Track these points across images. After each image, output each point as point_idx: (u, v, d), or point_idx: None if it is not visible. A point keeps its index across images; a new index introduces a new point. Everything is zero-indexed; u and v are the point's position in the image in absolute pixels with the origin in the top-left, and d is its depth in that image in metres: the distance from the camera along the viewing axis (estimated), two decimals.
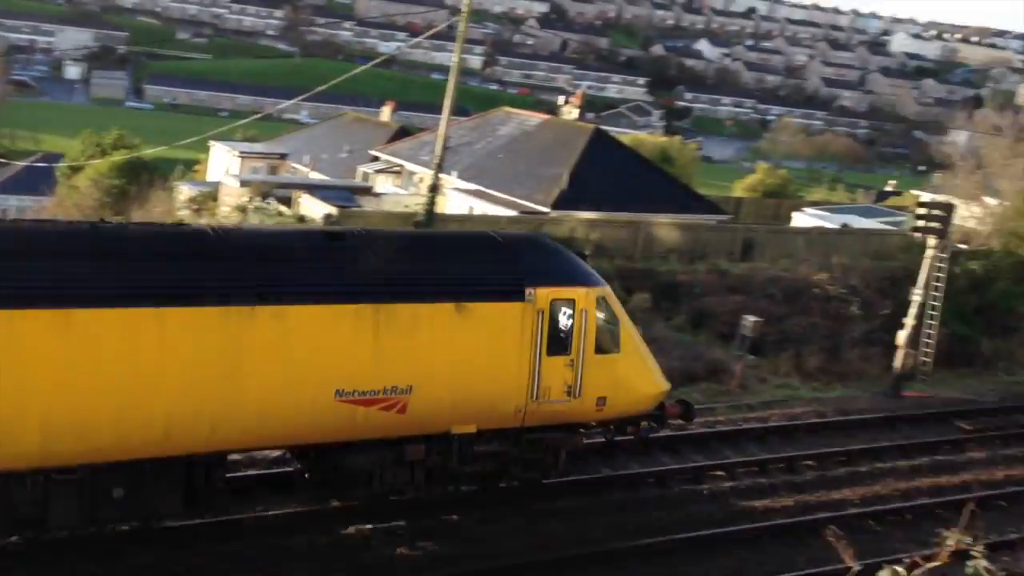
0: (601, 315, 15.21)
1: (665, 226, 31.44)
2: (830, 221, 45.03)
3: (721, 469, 17.86)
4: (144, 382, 11.91)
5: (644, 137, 61.02)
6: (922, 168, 71.12)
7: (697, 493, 16.90)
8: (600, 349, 15.12)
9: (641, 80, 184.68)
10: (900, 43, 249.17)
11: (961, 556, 7.16)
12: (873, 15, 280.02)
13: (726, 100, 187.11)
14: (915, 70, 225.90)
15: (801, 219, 46.29)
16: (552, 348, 14.61)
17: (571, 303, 14.83)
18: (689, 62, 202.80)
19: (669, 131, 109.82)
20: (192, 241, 13.23)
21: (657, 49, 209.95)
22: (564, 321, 14.78)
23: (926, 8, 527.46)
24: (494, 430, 14.60)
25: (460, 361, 13.92)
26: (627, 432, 16.61)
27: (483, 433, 14.50)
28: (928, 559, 7.02)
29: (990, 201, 36.09)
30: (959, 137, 44.49)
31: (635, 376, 15.76)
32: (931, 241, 26.15)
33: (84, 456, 11.80)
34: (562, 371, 14.75)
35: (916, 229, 32.44)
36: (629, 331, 15.76)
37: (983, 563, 6.90)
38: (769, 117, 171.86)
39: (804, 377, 24.32)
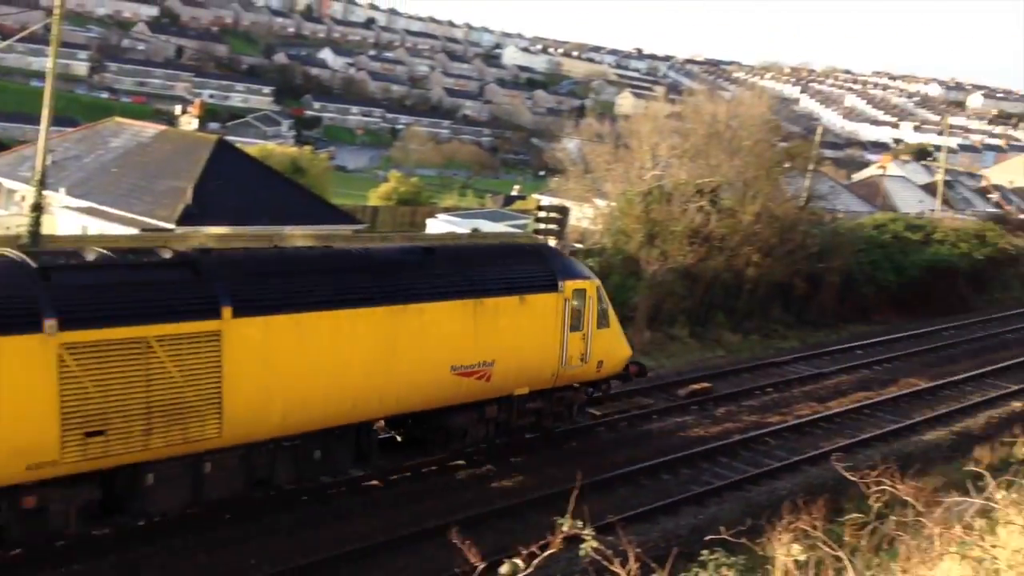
0: (599, 300, 20.56)
1: (299, 238, 30.60)
2: (462, 226, 46.76)
3: None
4: (343, 366, 15.80)
5: (274, 148, 59.37)
6: (542, 173, 76.36)
7: None
8: (599, 325, 20.51)
9: (267, 89, 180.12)
10: (511, 56, 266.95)
11: (575, 541, 7.37)
12: (485, 29, 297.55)
13: (355, 109, 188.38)
14: (527, 81, 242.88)
15: (435, 225, 47.54)
16: (573, 326, 19.78)
17: (583, 292, 20.17)
18: (314, 71, 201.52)
19: (300, 141, 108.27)
20: (360, 259, 17.30)
21: (280, 57, 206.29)
22: (579, 305, 19.94)
23: (532, 24, 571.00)
24: (538, 391, 19.65)
25: (522, 339, 18.80)
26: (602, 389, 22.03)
27: (531, 393, 19.47)
28: (544, 548, 7.15)
29: (599, 203, 39.37)
30: (570, 144, 48.10)
31: (618, 344, 21.48)
32: (552, 241, 27.94)
33: (304, 426, 15.59)
34: (579, 343, 20.06)
35: (538, 231, 34.63)
36: (612, 312, 21.28)
37: (593, 544, 7.13)
38: (398, 126, 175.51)
39: None
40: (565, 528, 7.21)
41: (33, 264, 13.07)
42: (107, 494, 13.89)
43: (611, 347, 21.06)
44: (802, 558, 7.19)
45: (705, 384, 26.59)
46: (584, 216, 40.54)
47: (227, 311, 14.25)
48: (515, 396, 19.03)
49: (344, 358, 15.71)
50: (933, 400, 27.58)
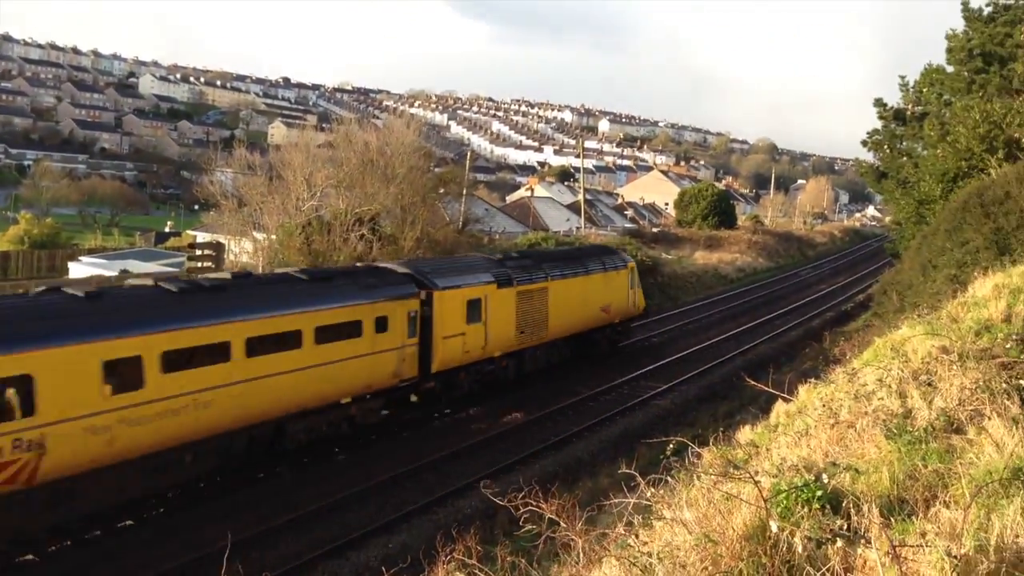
0: (635, 272, 38.52)
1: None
2: (109, 268, 43.44)
3: None
4: (575, 305, 32.74)
5: None
6: (196, 207, 72.92)
7: None
8: (634, 285, 37.80)
9: None
10: (149, 85, 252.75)
11: None
12: (116, 56, 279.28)
13: None
14: (169, 112, 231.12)
15: (79, 269, 43.85)
16: (631, 286, 37.30)
17: (632, 268, 38.12)
18: None
19: None
20: (574, 250, 40.38)
21: None
22: (632, 275, 37.70)
23: (168, 51, 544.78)
24: (619, 321, 36.84)
25: (619, 293, 36.35)
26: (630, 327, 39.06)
27: (621, 322, 37.05)
28: None
29: (258, 236, 38.34)
30: (223, 176, 46.39)
31: (641, 296, 39.19)
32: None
33: (567, 333, 32.90)
34: (632, 295, 37.55)
35: (191, 268, 33.01)
36: (638, 279, 39.19)
37: None
38: (26, 162, 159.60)
39: None
40: None
41: (498, 257, 31.77)
42: (519, 362, 30.22)
43: (640, 298, 38.89)
44: None
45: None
46: (244, 251, 39.30)
47: (548, 280, 31.49)
48: (616, 323, 36.57)
49: (573, 302, 32.65)
50: (597, 406, 29.36)
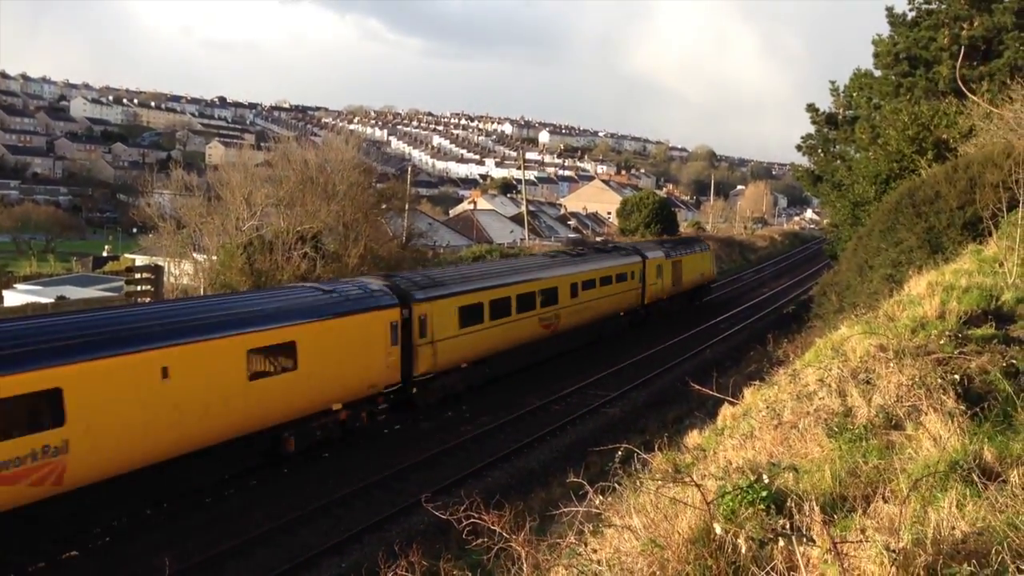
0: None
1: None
2: (45, 296, 42.50)
3: None
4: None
5: None
6: (134, 231, 71.72)
7: None
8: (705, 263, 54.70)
9: None
10: (80, 108, 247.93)
11: None
12: (46, 80, 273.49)
13: None
14: (102, 134, 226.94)
15: (13, 297, 42.83)
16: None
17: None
18: None
19: None
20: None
21: None
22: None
23: (100, 73, 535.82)
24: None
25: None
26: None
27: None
28: None
29: (199, 257, 37.78)
30: (161, 198, 45.68)
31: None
32: (145, 300, 26.25)
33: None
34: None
35: (130, 293, 32.40)
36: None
37: None
38: None
39: None
40: None
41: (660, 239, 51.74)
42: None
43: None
44: None
45: None
46: (185, 272, 38.70)
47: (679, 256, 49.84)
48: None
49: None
50: (546, 417, 29.40)
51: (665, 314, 48.48)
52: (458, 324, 29.25)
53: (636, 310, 45.14)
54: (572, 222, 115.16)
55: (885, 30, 37.39)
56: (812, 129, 40.48)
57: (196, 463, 19.67)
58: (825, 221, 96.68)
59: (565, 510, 6.98)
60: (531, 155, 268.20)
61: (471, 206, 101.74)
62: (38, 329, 17.16)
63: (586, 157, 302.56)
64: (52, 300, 39.22)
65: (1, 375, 15.54)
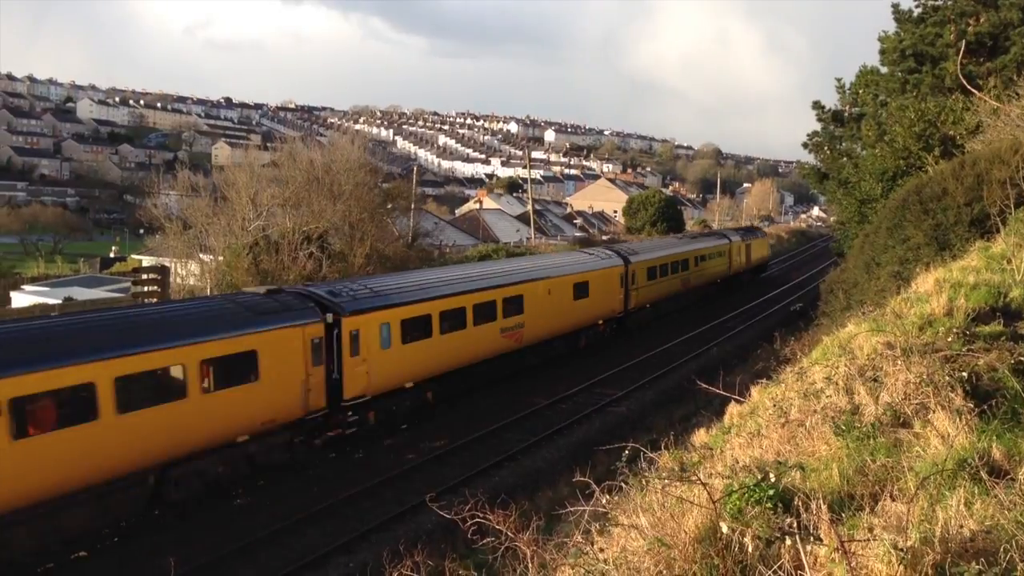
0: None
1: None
2: (53, 296, 42.60)
3: None
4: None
5: None
6: (141, 231, 72.00)
7: None
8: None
9: None
10: (87, 109, 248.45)
11: None
12: (52, 82, 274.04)
13: None
14: (109, 136, 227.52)
15: (20, 298, 42.97)
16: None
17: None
18: None
19: None
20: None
21: None
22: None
23: (106, 75, 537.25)
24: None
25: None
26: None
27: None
28: None
29: (205, 258, 37.85)
30: (168, 199, 45.79)
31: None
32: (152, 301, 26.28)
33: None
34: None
35: (136, 294, 32.47)
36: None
37: None
38: None
39: None
40: None
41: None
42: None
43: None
44: None
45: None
46: (191, 273, 38.77)
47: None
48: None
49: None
50: (552, 416, 29.24)
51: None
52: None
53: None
54: (578, 221, 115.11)
55: (890, 27, 37.31)
56: (818, 127, 40.40)
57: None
58: (832, 219, 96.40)
59: (572, 509, 6.97)
60: (537, 154, 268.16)
61: (477, 205, 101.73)
62: None
63: (592, 156, 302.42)
64: (60, 301, 39.30)
65: None
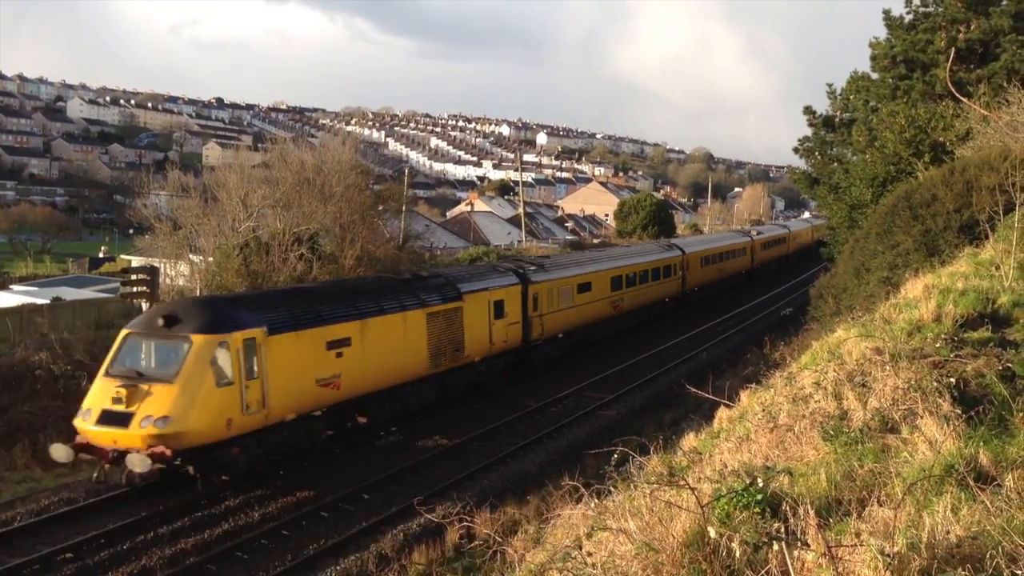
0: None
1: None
2: (41, 296, 42.39)
3: None
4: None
5: None
6: (130, 231, 71.76)
7: None
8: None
9: None
10: (77, 109, 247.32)
11: None
12: (43, 81, 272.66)
13: None
14: (99, 135, 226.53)
15: (8, 298, 42.73)
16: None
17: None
18: None
19: None
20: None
21: None
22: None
23: (91, 74, 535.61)
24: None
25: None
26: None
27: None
28: None
29: (195, 258, 37.73)
30: (158, 199, 45.65)
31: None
32: (145, 304, 26.21)
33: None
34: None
35: (125, 294, 32.36)
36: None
37: None
38: None
39: (48, 466, 22.20)
40: None
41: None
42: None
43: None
44: None
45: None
46: (180, 274, 38.63)
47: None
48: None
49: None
50: (543, 419, 29.21)
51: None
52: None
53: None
54: (569, 224, 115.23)
55: (875, 32, 37.45)
56: (809, 132, 40.51)
57: None
58: (819, 222, 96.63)
59: (560, 513, 6.97)
60: (529, 157, 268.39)
61: (468, 208, 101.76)
62: None
63: (584, 159, 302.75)
64: (48, 301, 39.13)
65: None
